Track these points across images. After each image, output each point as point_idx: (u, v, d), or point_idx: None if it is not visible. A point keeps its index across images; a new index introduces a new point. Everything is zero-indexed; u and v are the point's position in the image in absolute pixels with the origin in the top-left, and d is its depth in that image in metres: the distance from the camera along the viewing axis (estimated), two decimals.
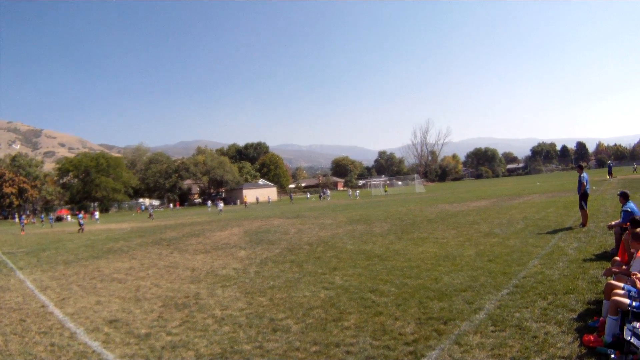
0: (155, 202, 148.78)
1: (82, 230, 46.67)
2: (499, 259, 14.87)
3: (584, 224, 20.68)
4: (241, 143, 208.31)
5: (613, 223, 14.77)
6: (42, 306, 13.62)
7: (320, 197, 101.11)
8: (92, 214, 66.13)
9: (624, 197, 15.42)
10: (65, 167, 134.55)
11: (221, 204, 69.99)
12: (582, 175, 21.91)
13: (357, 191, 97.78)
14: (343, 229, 28.32)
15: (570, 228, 20.45)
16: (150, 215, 66.58)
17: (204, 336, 9.64)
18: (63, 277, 18.73)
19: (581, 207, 21.33)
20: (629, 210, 14.44)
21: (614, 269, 9.48)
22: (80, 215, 51.59)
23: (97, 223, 61.23)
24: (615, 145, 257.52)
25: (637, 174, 78.45)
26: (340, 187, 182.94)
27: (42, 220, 77.80)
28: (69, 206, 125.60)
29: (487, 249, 16.96)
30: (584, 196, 21.27)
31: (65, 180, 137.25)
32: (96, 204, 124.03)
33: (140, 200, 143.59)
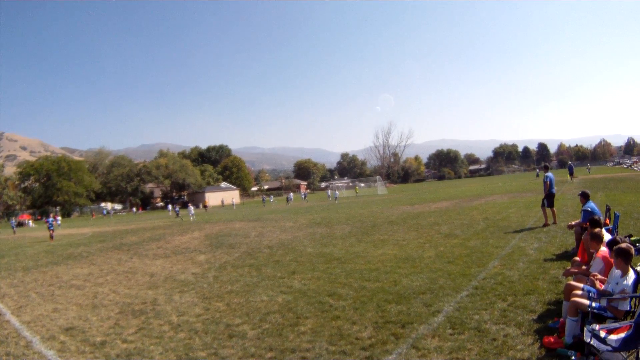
0: (118, 206, 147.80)
1: (52, 237, 42.54)
2: (459, 260, 14.86)
3: (547, 224, 20.80)
4: (203, 146, 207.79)
5: (573, 223, 14.81)
6: None
7: (303, 197, 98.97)
8: (55, 218, 63.71)
9: (585, 197, 15.48)
10: (26, 171, 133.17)
11: (192, 209, 62.64)
12: (546, 174, 22.02)
13: (337, 192, 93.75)
14: (304, 232, 28.40)
15: (531, 228, 20.57)
16: (177, 214, 62.82)
17: (159, 343, 9.48)
18: (21, 284, 18.47)
19: (542, 206, 21.46)
20: (589, 209, 14.49)
21: (573, 270, 9.46)
22: (50, 220, 46.51)
23: (59, 228, 59.98)
24: (576, 146, 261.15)
25: (592, 175, 79.52)
26: (303, 189, 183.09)
27: None
28: (30, 211, 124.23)
29: (447, 251, 16.97)
30: (548, 196, 21.36)
31: (26, 184, 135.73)
32: (58, 208, 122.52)
33: (102, 204, 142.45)
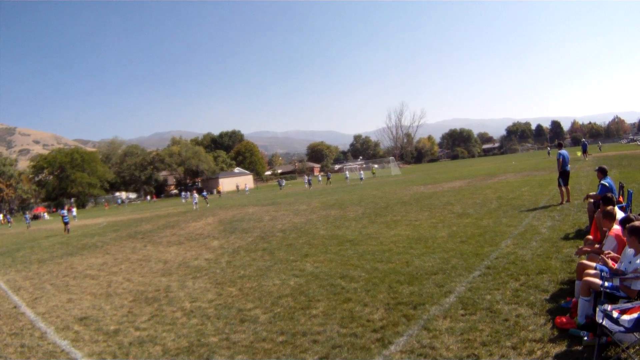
0: (132, 195, 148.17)
1: (68, 230, 39.98)
2: (471, 240, 14.84)
3: (562, 202, 20.65)
4: (216, 132, 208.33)
5: (592, 193, 14.70)
6: (15, 307, 13.51)
7: (327, 178, 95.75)
8: (70, 210, 62.41)
9: (602, 172, 15.29)
10: (39, 164, 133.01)
11: (196, 196, 58.82)
12: (559, 151, 21.84)
13: (362, 172, 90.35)
14: (317, 215, 28.52)
15: (544, 207, 20.44)
16: (205, 198, 58.35)
17: (171, 330, 9.55)
18: (37, 276, 18.58)
19: (559, 185, 21.29)
20: (607, 184, 14.37)
21: (585, 248, 9.35)
22: (64, 212, 43.52)
23: (75, 220, 59.58)
24: (590, 123, 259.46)
25: (605, 152, 78.97)
26: (316, 172, 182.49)
27: (10, 222, 74.87)
28: (45, 204, 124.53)
29: (460, 230, 16.97)
30: (562, 174, 21.19)
31: (40, 177, 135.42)
32: (73, 199, 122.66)
33: (117, 194, 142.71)
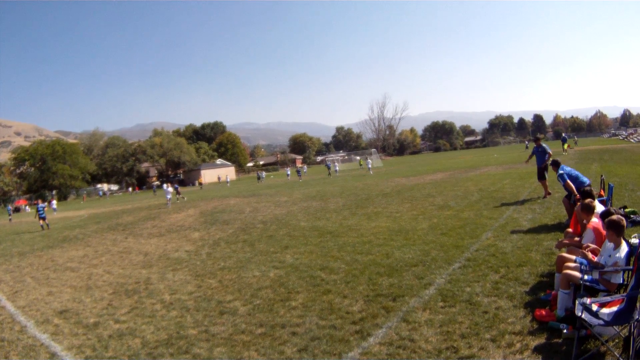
0: (114, 187, 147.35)
1: (47, 225, 36.14)
2: (452, 232, 14.90)
3: (545, 195, 20.70)
4: (198, 123, 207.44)
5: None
6: None
7: (328, 169, 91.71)
8: (50, 202, 60.86)
9: (555, 165, 15.49)
10: (20, 156, 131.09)
11: (170, 190, 49.03)
12: (543, 145, 21.85)
13: (369, 160, 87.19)
14: (298, 206, 28.61)
15: (525, 199, 20.54)
16: (260, 178, 52.85)
17: (151, 322, 9.56)
18: (17, 269, 18.51)
19: (543, 179, 21.33)
20: (563, 172, 14.56)
21: (565, 241, 9.39)
22: (42, 206, 37.66)
23: (55, 213, 58.92)
24: (572, 117, 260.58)
25: (587, 146, 79.24)
26: (298, 164, 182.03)
27: None
28: (27, 196, 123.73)
29: (441, 222, 17.04)
30: (546, 167, 21.24)
31: (21, 169, 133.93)
32: (54, 192, 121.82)
33: (99, 185, 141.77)
